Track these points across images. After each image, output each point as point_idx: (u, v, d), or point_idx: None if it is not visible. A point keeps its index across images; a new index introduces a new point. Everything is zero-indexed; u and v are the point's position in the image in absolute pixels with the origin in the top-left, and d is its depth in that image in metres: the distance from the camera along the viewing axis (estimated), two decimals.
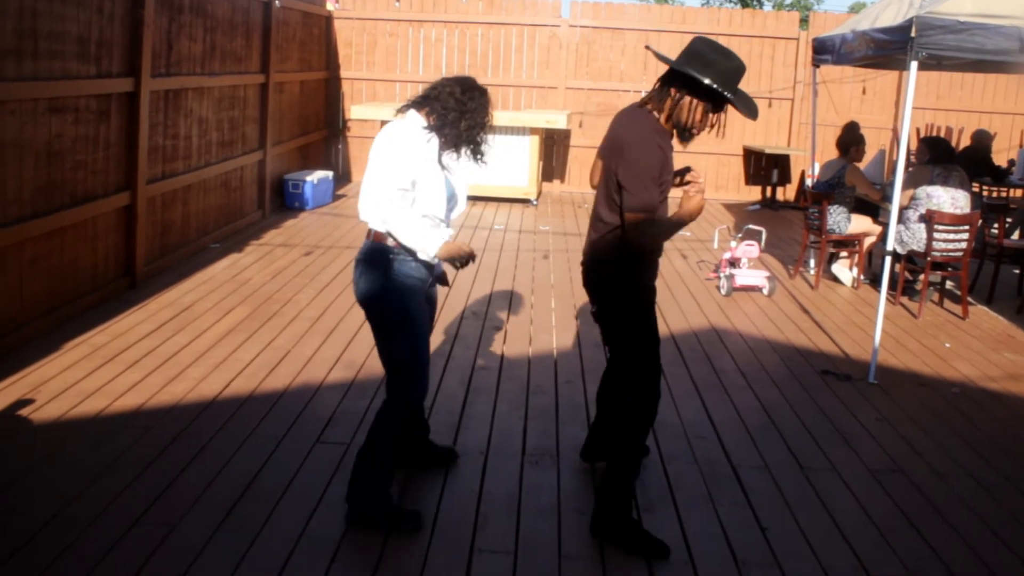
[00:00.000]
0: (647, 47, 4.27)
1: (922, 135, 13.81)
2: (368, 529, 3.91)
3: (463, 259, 3.95)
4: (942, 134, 12.98)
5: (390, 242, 3.90)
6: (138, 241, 7.51)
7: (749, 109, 3.84)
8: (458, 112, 3.90)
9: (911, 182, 8.12)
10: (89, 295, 6.80)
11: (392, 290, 3.92)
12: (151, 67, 7.55)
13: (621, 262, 3.94)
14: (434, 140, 3.90)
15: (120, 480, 4.23)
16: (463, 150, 3.98)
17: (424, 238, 3.84)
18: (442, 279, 4.28)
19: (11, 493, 4.07)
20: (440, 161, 3.95)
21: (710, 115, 3.84)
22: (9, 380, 5.35)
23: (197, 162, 8.83)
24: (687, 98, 3.79)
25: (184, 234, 8.62)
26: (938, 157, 8.11)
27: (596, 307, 4.09)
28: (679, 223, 3.79)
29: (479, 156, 4.03)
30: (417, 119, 3.94)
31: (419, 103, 3.97)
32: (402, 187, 3.81)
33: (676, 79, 3.80)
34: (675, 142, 3.93)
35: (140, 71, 7.34)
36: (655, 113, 3.86)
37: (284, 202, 11.65)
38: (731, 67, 3.76)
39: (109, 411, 5.03)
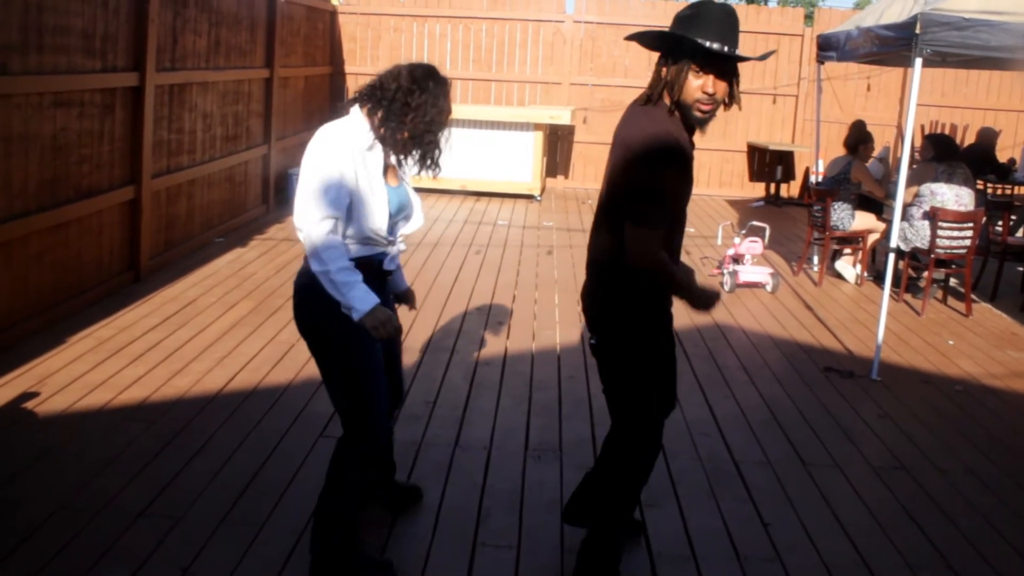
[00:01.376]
0: (626, 37, 3.41)
1: (927, 132, 13.82)
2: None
3: (385, 334, 3.22)
4: (947, 131, 12.97)
5: (304, 259, 3.37)
6: (142, 235, 7.52)
7: (715, 34, 3.05)
8: (402, 105, 3.26)
9: (915, 179, 8.11)
10: (94, 289, 6.82)
11: (335, 321, 3.25)
12: (156, 61, 7.56)
13: (623, 291, 3.33)
14: (377, 148, 3.33)
15: (125, 473, 4.25)
16: (411, 153, 3.35)
17: (350, 293, 3.17)
18: (406, 298, 3.82)
19: (16, 485, 4.09)
20: (386, 170, 3.39)
21: (703, 80, 3.09)
22: (15, 373, 5.37)
23: (201, 156, 8.84)
24: (673, 67, 3.13)
25: (188, 228, 8.63)
26: (942, 154, 8.11)
27: (595, 339, 3.48)
28: (680, 283, 3.25)
29: (428, 162, 3.38)
30: (358, 120, 3.33)
31: (365, 96, 3.34)
32: (332, 215, 3.20)
33: (660, 54, 3.22)
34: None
35: (145, 65, 7.35)
36: (666, 104, 3.19)
37: (288, 196, 11.65)
38: (714, 14, 3.08)
39: (114, 404, 5.05)
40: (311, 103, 12.98)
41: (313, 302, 3.29)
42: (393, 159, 3.41)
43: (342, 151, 3.25)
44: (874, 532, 4.11)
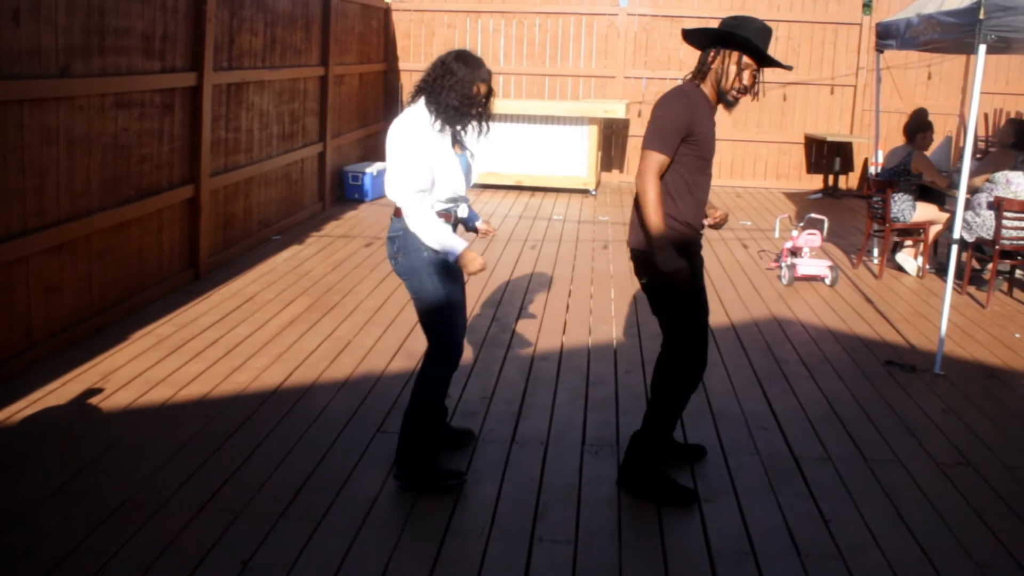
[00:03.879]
0: (684, 32, 4.27)
1: (990, 121, 13.52)
2: (409, 490, 4.16)
3: (474, 271, 4.05)
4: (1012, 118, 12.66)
5: (397, 214, 4.13)
6: (202, 233, 7.63)
7: (762, 40, 4.01)
8: (441, 88, 4.02)
9: (991, 165, 7.93)
10: (155, 286, 6.93)
11: (423, 265, 4.10)
12: (213, 61, 7.67)
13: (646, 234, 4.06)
14: (447, 129, 4.07)
15: (187, 467, 4.31)
16: (464, 122, 4.10)
17: (446, 242, 4.03)
18: (476, 229, 4.50)
19: (84, 477, 4.17)
20: (456, 141, 4.17)
21: (745, 73, 4.03)
22: (80, 369, 5.48)
23: (259, 155, 8.95)
24: (720, 55, 4.04)
25: (246, 226, 8.74)
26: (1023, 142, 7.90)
27: (645, 279, 4.22)
28: (655, 232, 3.92)
29: (481, 127, 4.18)
30: (422, 108, 4.09)
31: (418, 88, 4.15)
32: (421, 188, 4.00)
33: (709, 45, 4.09)
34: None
35: (203, 65, 7.45)
36: (700, 85, 4.11)
37: (344, 194, 11.75)
38: (758, 26, 4.03)
39: (175, 400, 5.13)
40: (366, 100, 13.07)
41: (408, 248, 4.10)
42: (457, 131, 4.15)
43: (419, 135, 4.01)
44: (939, 529, 4.03)
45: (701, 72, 4.09)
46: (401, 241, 4.13)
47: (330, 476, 4.29)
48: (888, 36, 8.44)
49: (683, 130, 3.96)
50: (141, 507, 3.93)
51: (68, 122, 5.74)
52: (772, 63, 4.07)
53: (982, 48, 5.90)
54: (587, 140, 12.70)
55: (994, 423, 5.27)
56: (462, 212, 4.30)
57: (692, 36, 4.17)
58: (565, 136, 12.67)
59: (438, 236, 4.01)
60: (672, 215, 4.05)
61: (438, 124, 4.04)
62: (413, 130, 4.03)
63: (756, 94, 4.14)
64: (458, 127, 4.12)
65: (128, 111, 6.45)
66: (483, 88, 4.09)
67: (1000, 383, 5.94)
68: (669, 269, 3.92)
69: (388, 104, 14.28)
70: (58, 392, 5.15)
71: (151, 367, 5.59)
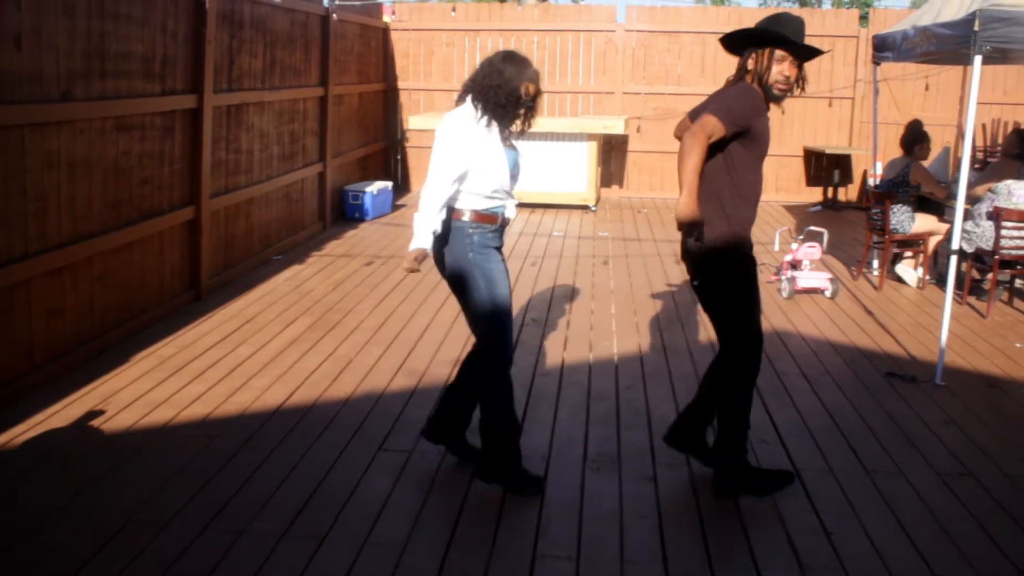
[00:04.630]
0: (724, 38, 4.38)
1: (988, 131, 13.55)
2: (496, 485, 4.33)
3: (404, 267, 4.16)
4: (1009, 129, 12.69)
5: (466, 217, 4.19)
6: (203, 254, 7.66)
7: (801, 50, 4.16)
8: (489, 87, 4.14)
9: (994, 174, 7.94)
10: (156, 308, 6.95)
11: (475, 262, 4.20)
12: (213, 83, 7.71)
13: (719, 234, 4.15)
14: (493, 125, 4.19)
15: (189, 487, 4.32)
16: (512, 119, 4.23)
17: (417, 230, 4.12)
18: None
19: (86, 498, 4.18)
20: (504, 139, 4.25)
21: (783, 64, 4.13)
22: (82, 391, 5.50)
23: (259, 175, 8.98)
24: (754, 55, 4.17)
25: (247, 247, 8.77)
26: None
27: (698, 280, 4.33)
28: (686, 190, 3.94)
29: (527, 123, 4.31)
30: (469, 107, 4.21)
31: (467, 88, 4.24)
32: (454, 178, 4.11)
33: (749, 46, 4.22)
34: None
35: (203, 87, 7.50)
36: (750, 82, 4.22)
37: (344, 213, 11.79)
38: (786, 18, 4.21)
39: (177, 421, 5.14)
40: (366, 119, 13.12)
41: (457, 248, 4.18)
42: (502, 128, 4.24)
43: (462, 132, 4.14)
44: (941, 540, 4.03)
45: (740, 75, 4.21)
46: (446, 239, 4.21)
47: (332, 495, 4.30)
48: (885, 48, 8.48)
49: (745, 119, 4.04)
50: (144, 526, 3.94)
51: (69, 146, 5.78)
52: (806, 50, 4.15)
53: (978, 59, 5.93)
54: (586, 156, 12.74)
55: (995, 433, 5.27)
56: (510, 212, 4.37)
57: (728, 42, 4.31)
58: (564, 152, 12.70)
59: (419, 223, 4.11)
60: (728, 219, 4.16)
61: (484, 120, 4.16)
62: (457, 128, 4.16)
63: (801, 86, 4.25)
64: (506, 124, 4.23)
65: (129, 134, 6.48)
66: (532, 88, 4.23)
67: (1001, 393, 5.95)
68: (685, 218, 3.96)
69: (388, 123, 14.34)
70: (60, 414, 5.16)
71: (152, 388, 5.60)
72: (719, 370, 4.39)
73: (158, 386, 5.65)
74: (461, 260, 4.21)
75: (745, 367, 4.32)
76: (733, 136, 4.05)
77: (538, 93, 4.28)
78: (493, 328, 4.26)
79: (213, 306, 7.46)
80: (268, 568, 3.67)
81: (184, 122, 7.34)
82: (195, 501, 4.20)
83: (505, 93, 4.14)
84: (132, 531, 3.91)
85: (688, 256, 4.34)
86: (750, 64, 4.18)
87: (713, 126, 3.96)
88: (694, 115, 4.34)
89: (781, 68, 4.13)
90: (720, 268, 4.23)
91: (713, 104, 4.09)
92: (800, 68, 4.20)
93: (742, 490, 4.34)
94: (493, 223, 4.24)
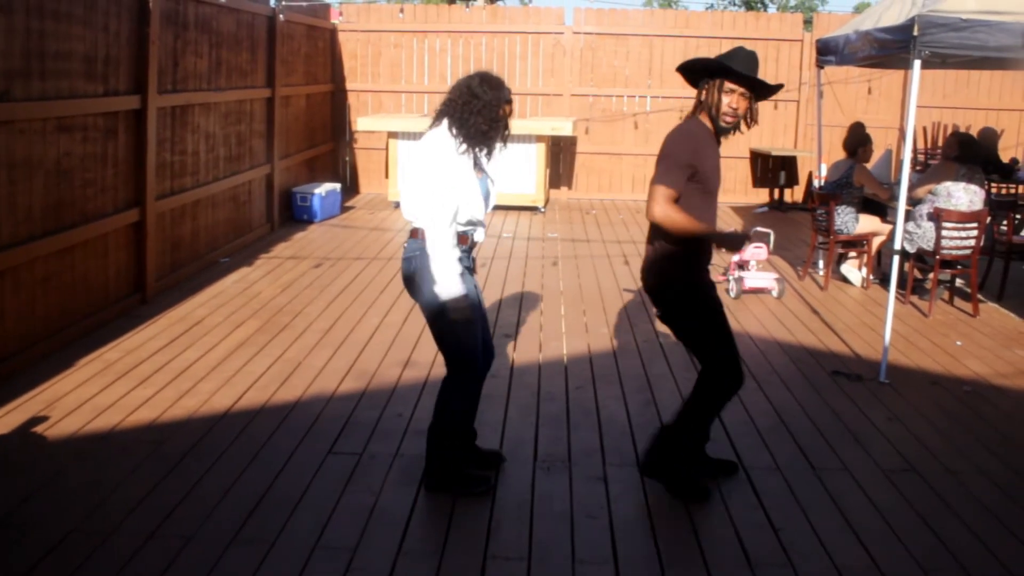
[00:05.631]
0: (678, 69, 4.46)
1: (929, 133, 13.81)
2: (443, 493, 4.33)
3: (460, 316, 4.11)
4: (949, 132, 12.95)
5: (418, 235, 4.16)
6: (148, 257, 7.55)
7: (742, 65, 4.19)
8: (469, 113, 4.10)
9: (935, 176, 8.08)
10: (101, 311, 6.84)
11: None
12: (157, 84, 7.61)
13: (668, 262, 4.30)
14: (470, 153, 4.15)
15: (135, 494, 4.26)
16: (489, 145, 4.21)
17: (452, 284, 4.07)
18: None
19: (28, 508, 4.10)
20: (476, 165, 4.23)
21: (732, 96, 4.19)
22: (24, 397, 5.39)
23: (205, 177, 8.88)
24: (707, 87, 4.25)
25: (194, 249, 8.66)
26: (966, 156, 8.07)
27: (660, 311, 4.43)
28: (700, 231, 4.17)
29: (501, 145, 4.30)
30: (446, 135, 4.14)
31: (444, 112, 4.19)
32: (452, 211, 4.08)
33: (703, 78, 4.30)
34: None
35: (147, 88, 7.39)
36: (701, 118, 4.31)
37: (293, 215, 11.69)
38: (743, 54, 4.27)
39: (123, 426, 5.06)
40: (313, 121, 13.03)
41: (427, 271, 4.10)
42: (478, 155, 4.21)
43: (451, 161, 4.08)
44: (886, 535, 4.10)
45: (698, 106, 4.30)
46: (417, 262, 4.17)
47: (281, 499, 4.26)
48: (828, 52, 8.61)
49: (687, 167, 4.14)
50: (90, 535, 3.87)
51: (9, 146, 5.66)
52: (755, 83, 4.21)
53: (917, 63, 6.05)
54: (535, 157, 12.76)
55: (938, 429, 5.37)
56: (479, 236, 4.36)
57: (685, 71, 4.38)
58: (513, 154, 12.67)
59: (449, 275, 4.06)
60: (677, 255, 4.28)
61: (463, 147, 4.12)
62: (446, 156, 4.09)
63: (748, 120, 4.32)
64: (480, 150, 4.21)
65: (71, 135, 6.37)
66: (508, 109, 4.22)
67: (943, 390, 6.06)
68: (733, 245, 4.36)
69: (335, 124, 14.25)
70: (2, 421, 5.05)
71: (98, 393, 5.51)
72: (701, 383, 4.43)
73: (103, 391, 5.55)
74: (431, 282, 4.14)
75: (724, 385, 4.39)
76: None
77: (511, 112, 4.28)
78: (459, 350, 4.26)
79: (159, 309, 7.35)
80: (216, 574, 3.63)
81: (128, 123, 7.23)
82: (142, 507, 4.14)
83: (487, 119, 4.12)
84: (78, 539, 3.84)
85: (648, 289, 4.45)
86: (703, 96, 4.26)
87: (664, 194, 4.11)
88: (656, 165, 4.36)
89: (730, 100, 4.19)
90: (677, 299, 4.34)
91: (658, 168, 4.20)
92: (751, 102, 4.26)
93: (667, 483, 4.44)
94: (464, 244, 4.22)
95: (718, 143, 4.33)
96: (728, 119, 4.23)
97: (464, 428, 4.44)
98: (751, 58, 4.25)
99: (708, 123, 4.28)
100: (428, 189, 4.08)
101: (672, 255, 4.27)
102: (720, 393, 4.41)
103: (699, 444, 4.57)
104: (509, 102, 4.23)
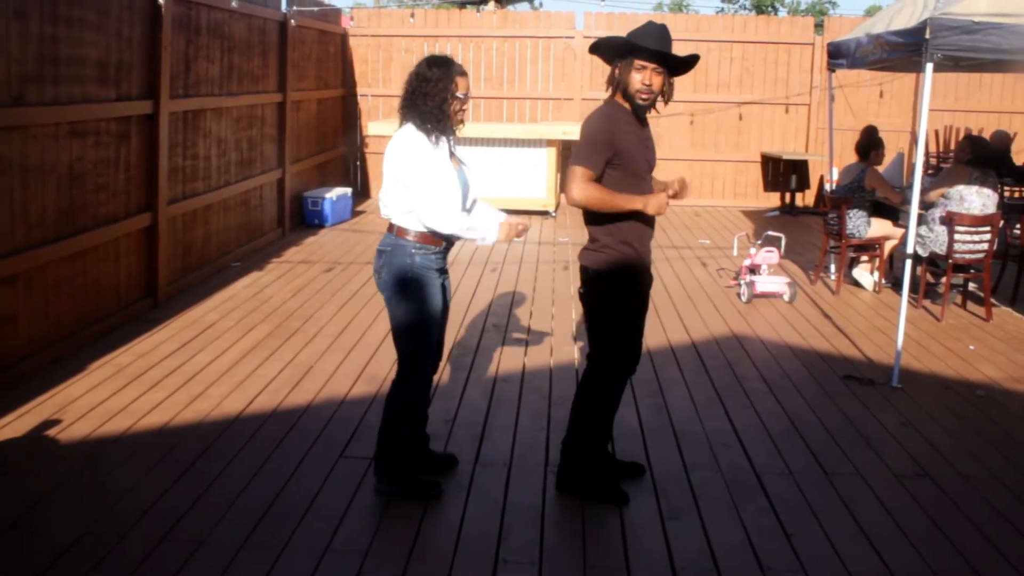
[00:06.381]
0: (590, 50, 4.33)
1: (941, 137, 13.77)
2: (397, 498, 4.31)
3: (521, 233, 4.23)
4: (961, 135, 12.91)
5: (410, 236, 4.14)
6: (160, 261, 7.58)
7: (652, 40, 4.06)
8: (423, 95, 4.07)
9: (947, 180, 8.06)
10: (113, 316, 6.86)
11: (411, 281, 4.15)
12: (170, 89, 7.63)
13: (595, 253, 4.21)
14: (442, 142, 4.13)
15: (147, 498, 4.26)
16: (454, 124, 4.17)
17: (484, 230, 4.14)
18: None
19: (41, 511, 4.11)
20: (452, 155, 4.21)
21: (644, 73, 4.06)
22: (37, 401, 5.41)
23: (217, 182, 8.91)
24: (618, 66, 4.15)
25: (205, 253, 8.69)
26: (979, 159, 8.05)
27: (583, 289, 4.35)
28: (622, 200, 4.04)
29: (463, 121, 4.23)
30: (413, 129, 4.12)
31: (404, 108, 4.17)
32: (457, 207, 4.12)
33: (615, 58, 4.19)
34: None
35: (159, 93, 7.42)
36: (618, 101, 4.19)
37: (304, 219, 11.72)
38: (652, 28, 4.15)
39: (134, 430, 5.07)
40: (324, 126, 13.06)
41: (397, 265, 4.13)
42: (451, 145, 4.19)
43: (428, 154, 4.05)
44: (899, 540, 4.08)
45: (613, 87, 4.19)
46: (388, 256, 4.17)
47: (293, 503, 4.26)
48: (839, 55, 8.59)
49: (606, 148, 4.06)
50: (101, 539, 3.88)
51: (22, 151, 5.69)
52: (668, 59, 4.09)
53: (929, 67, 6.02)
54: (546, 162, 12.76)
55: (950, 434, 5.35)
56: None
57: (598, 52, 4.27)
58: (524, 158, 12.72)
59: (473, 228, 4.12)
60: (614, 235, 4.16)
61: (433, 138, 4.09)
62: (420, 152, 4.06)
63: (666, 97, 4.17)
64: (450, 136, 4.17)
65: (83, 140, 6.40)
66: (462, 84, 4.14)
67: (955, 394, 6.04)
68: (658, 205, 4.06)
69: (347, 129, 14.27)
70: (13, 425, 5.07)
71: (109, 397, 5.53)
72: (585, 382, 4.39)
73: (115, 395, 5.57)
74: (397, 279, 4.16)
75: (610, 381, 4.35)
76: (607, 163, 4.08)
77: (468, 87, 4.21)
78: (415, 348, 4.25)
79: (171, 314, 7.37)
80: None
81: (140, 128, 7.26)
82: (153, 511, 4.15)
83: (439, 98, 4.07)
84: (89, 543, 3.85)
85: (581, 266, 4.35)
86: (616, 74, 4.16)
87: (581, 174, 4.04)
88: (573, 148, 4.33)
89: (643, 77, 4.06)
90: (601, 283, 4.23)
91: (573, 152, 4.14)
92: (664, 77, 4.12)
93: (578, 492, 4.40)
94: (437, 245, 4.18)
95: (642, 124, 4.22)
96: (643, 96, 4.09)
97: (416, 430, 4.44)
98: (662, 32, 4.11)
99: (625, 104, 4.16)
100: (425, 190, 4.05)
101: (605, 240, 4.17)
102: (611, 390, 4.35)
103: (601, 444, 4.47)
104: (463, 75, 4.15)
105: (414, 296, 4.16)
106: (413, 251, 4.14)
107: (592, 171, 4.04)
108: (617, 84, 4.16)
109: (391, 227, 4.21)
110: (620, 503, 4.32)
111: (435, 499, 4.32)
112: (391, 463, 4.34)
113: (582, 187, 4.03)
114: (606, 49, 4.21)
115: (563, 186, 4.08)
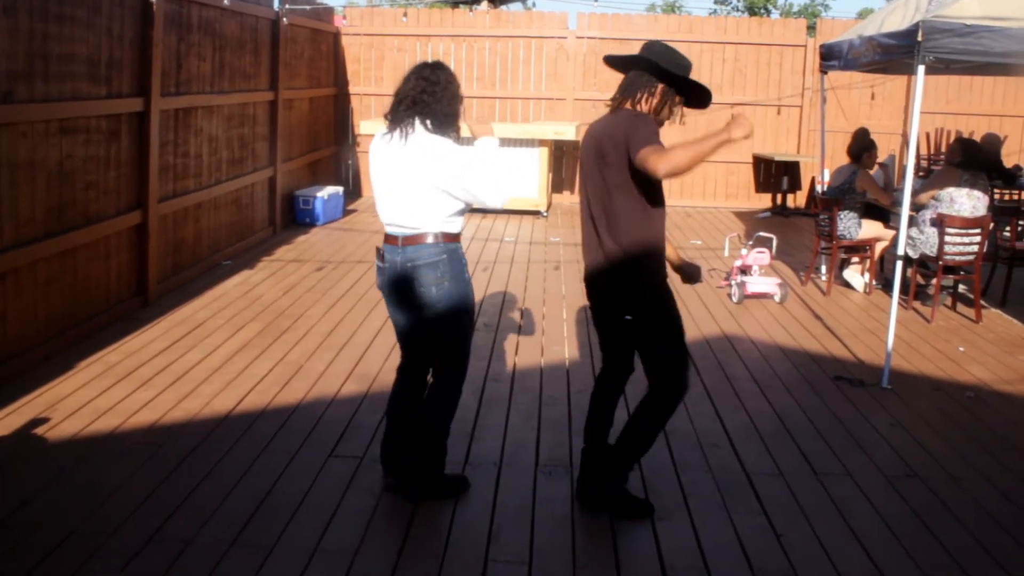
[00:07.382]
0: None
1: (932, 139, 13.80)
2: (436, 499, 4.29)
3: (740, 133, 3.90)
4: (952, 138, 12.94)
5: (454, 239, 4.12)
6: (150, 259, 7.55)
7: (702, 96, 4.09)
8: (432, 99, 4.04)
9: (938, 182, 8.08)
10: (102, 314, 6.84)
11: (467, 280, 4.19)
12: (161, 86, 7.61)
13: (633, 263, 4.00)
14: (458, 139, 4.12)
15: (135, 496, 4.25)
16: (458, 126, 4.17)
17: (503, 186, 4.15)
18: None
19: (28, 510, 4.09)
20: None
21: (670, 101, 4.06)
22: (25, 399, 5.39)
23: (208, 180, 8.88)
24: (653, 89, 4.06)
25: (196, 252, 8.66)
26: (969, 162, 8.06)
27: (633, 315, 4.08)
28: (708, 143, 3.69)
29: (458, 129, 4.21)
30: (435, 136, 4.05)
31: (404, 112, 4.08)
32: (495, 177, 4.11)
33: (645, 72, 4.10)
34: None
35: (150, 91, 7.39)
36: (637, 108, 4.09)
37: (295, 218, 11.69)
38: (686, 63, 4.11)
39: (123, 428, 5.06)
40: (316, 124, 13.03)
41: (453, 272, 4.06)
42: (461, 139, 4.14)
43: (461, 151, 4.02)
44: (888, 541, 4.09)
45: (634, 103, 4.10)
46: (446, 266, 4.07)
47: (282, 502, 4.25)
48: (832, 57, 8.59)
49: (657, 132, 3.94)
50: (90, 538, 3.86)
51: (11, 148, 5.66)
52: (707, 100, 4.08)
53: (921, 69, 6.04)
54: (538, 162, 12.75)
55: (940, 435, 5.36)
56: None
57: (655, 66, 4.09)
58: (516, 158, 12.71)
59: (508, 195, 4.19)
60: (646, 237, 4.00)
61: (453, 137, 4.09)
62: (456, 146, 4.04)
63: (679, 118, 4.16)
64: (456, 132, 4.16)
65: (73, 137, 6.37)
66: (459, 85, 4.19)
67: (946, 395, 6.05)
68: (742, 133, 3.72)
69: (338, 128, 14.25)
70: (2, 423, 5.05)
71: (98, 396, 5.51)
72: (648, 404, 4.21)
73: (104, 393, 5.55)
74: (460, 279, 4.11)
75: (674, 402, 4.18)
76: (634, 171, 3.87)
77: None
78: (465, 351, 4.28)
79: (161, 312, 7.35)
80: None
81: (131, 125, 7.23)
82: (142, 509, 4.13)
83: (450, 100, 4.09)
84: (78, 541, 3.83)
85: (606, 297, 4.20)
86: (644, 97, 4.06)
87: (657, 148, 3.74)
88: (592, 162, 4.09)
89: (675, 113, 4.09)
90: (656, 299, 4.09)
91: (632, 142, 3.82)
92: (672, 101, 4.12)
93: (606, 505, 4.26)
94: (459, 240, 4.21)
95: None
96: (665, 118, 4.11)
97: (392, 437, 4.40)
98: (690, 66, 4.09)
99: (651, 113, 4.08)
100: (472, 175, 4.00)
101: (636, 254, 3.98)
102: (675, 403, 4.16)
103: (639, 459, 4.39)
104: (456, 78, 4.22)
105: (471, 294, 4.21)
106: (460, 252, 4.17)
107: (661, 143, 3.77)
108: (654, 103, 4.06)
109: (419, 237, 4.04)
110: (648, 515, 4.23)
111: (464, 492, 4.39)
112: (436, 476, 4.30)
113: (665, 157, 3.64)
114: (663, 71, 4.04)
115: (647, 167, 3.70)
